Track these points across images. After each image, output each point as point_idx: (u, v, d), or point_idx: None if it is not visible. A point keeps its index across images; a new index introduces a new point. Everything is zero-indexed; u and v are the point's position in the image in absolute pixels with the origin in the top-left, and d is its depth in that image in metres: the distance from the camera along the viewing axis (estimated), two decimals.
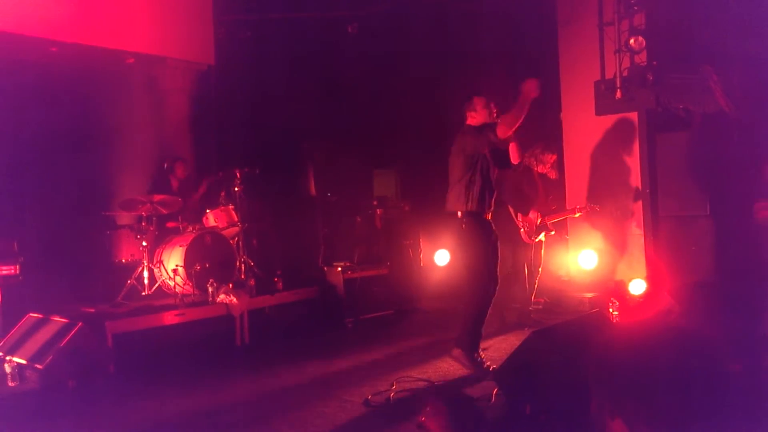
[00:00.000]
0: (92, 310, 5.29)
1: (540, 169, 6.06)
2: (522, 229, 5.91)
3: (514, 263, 5.97)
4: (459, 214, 4.55)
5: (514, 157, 4.67)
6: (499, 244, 4.69)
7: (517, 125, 4.38)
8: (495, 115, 4.58)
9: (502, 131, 4.39)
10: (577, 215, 6.35)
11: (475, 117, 4.67)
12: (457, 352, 4.58)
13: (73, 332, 4.55)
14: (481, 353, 4.64)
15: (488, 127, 4.53)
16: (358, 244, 7.54)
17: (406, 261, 7.45)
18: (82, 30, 6.65)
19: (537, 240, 5.99)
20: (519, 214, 5.92)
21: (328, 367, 4.87)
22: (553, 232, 6.16)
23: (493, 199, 4.67)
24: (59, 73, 6.68)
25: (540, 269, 6.14)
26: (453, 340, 4.69)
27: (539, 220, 5.97)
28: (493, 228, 4.68)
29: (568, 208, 6.52)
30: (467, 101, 4.74)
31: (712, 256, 6.33)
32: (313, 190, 8.60)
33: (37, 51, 6.49)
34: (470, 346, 4.56)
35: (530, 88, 4.28)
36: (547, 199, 6.11)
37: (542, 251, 6.12)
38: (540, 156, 6.05)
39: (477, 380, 4.31)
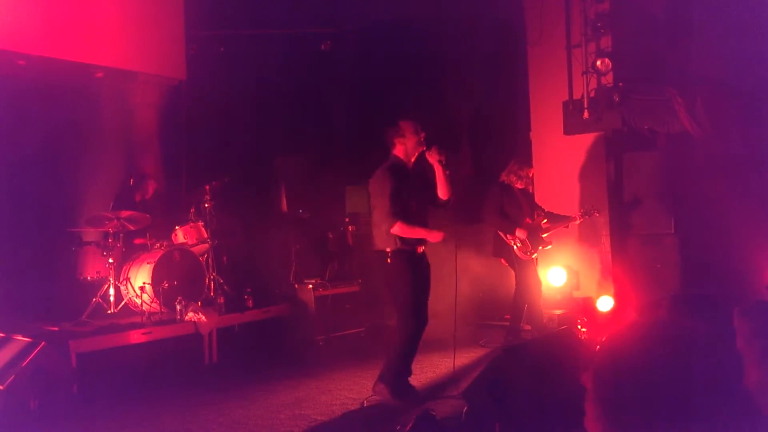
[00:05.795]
0: (56, 329, 5.16)
1: (520, 185, 6.02)
2: (514, 247, 5.86)
3: (518, 282, 5.95)
4: (387, 250, 4.29)
5: (442, 193, 4.43)
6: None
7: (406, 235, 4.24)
8: (423, 140, 4.34)
9: (395, 229, 4.21)
10: (578, 222, 6.22)
11: (404, 144, 4.38)
12: (380, 387, 4.31)
13: (35, 351, 4.41)
14: (413, 387, 4.42)
15: (394, 198, 4.23)
16: (330, 261, 7.51)
17: (378, 278, 7.42)
18: (51, 43, 6.56)
19: (534, 255, 5.91)
20: (507, 235, 5.89)
21: (298, 385, 4.83)
22: (549, 246, 6.09)
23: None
24: (27, 86, 6.55)
25: (541, 287, 6.06)
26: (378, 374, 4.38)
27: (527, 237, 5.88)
28: (426, 262, 4.46)
29: (566, 215, 6.21)
30: (393, 127, 4.43)
31: (677, 273, 6.47)
32: (284, 207, 8.55)
33: (5, 64, 6.37)
34: (394, 382, 4.29)
35: (435, 237, 4.25)
36: (533, 213, 6.08)
37: (536, 268, 6.02)
38: (518, 172, 6.01)
39: (449, 400, 4.31)
